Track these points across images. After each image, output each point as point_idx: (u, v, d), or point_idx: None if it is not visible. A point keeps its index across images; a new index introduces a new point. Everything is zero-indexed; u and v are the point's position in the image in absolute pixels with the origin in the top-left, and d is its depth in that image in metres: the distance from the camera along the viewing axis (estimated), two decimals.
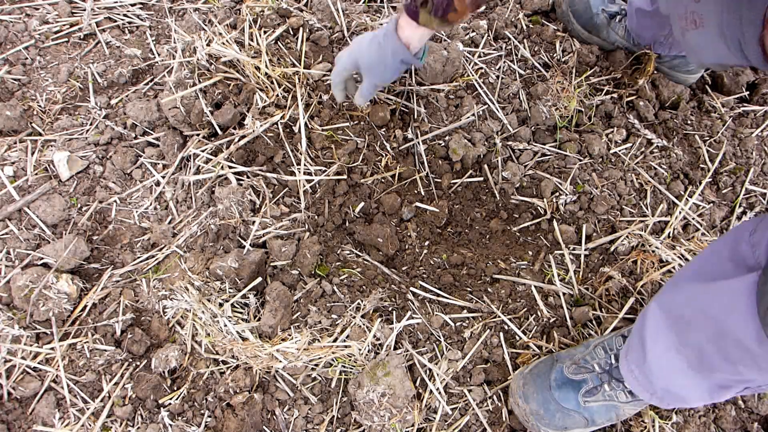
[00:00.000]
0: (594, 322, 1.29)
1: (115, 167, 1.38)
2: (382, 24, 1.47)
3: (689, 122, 1.53)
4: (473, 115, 1.40)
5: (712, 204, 1.45)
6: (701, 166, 1.49)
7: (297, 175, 1.31)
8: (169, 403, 1.18)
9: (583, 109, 1.46)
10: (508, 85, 1.46)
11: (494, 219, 1.39)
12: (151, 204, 1.36)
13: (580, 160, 1.42)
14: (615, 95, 1.49)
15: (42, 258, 1.25)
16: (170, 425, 1.16)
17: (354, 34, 1.46)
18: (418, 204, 1.36)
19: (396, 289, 1.29)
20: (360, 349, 1.18)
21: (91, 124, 1.42)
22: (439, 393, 1.19)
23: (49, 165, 1.36)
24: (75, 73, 1.47)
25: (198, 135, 1.37)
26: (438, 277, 1.33)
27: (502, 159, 1.40)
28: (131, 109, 1.40)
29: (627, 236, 1.36)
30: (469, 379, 1.23)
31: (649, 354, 0.99)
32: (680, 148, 1.49)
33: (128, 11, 1.56)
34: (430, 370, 1.22)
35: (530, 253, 1.36)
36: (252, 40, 1.38)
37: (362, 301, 1.25)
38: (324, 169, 1.33)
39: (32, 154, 1.36)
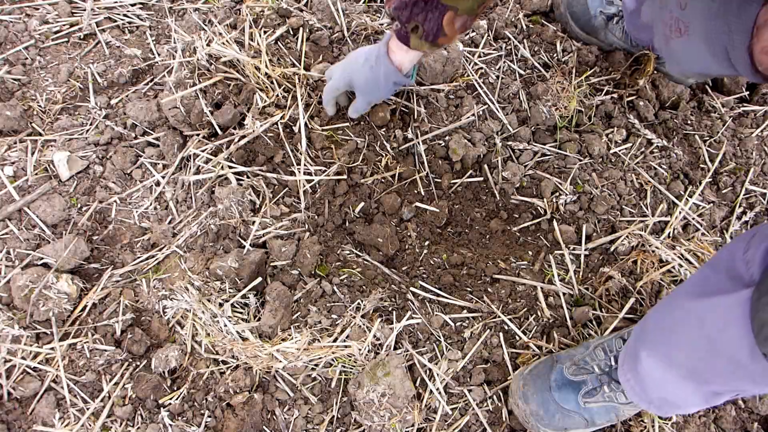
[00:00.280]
0: (594, 322, 1.29)
1: (115, 167, 1.38)
2: (382, 24, 1.48)
3: (689, 122, 1.53)
4: (473, 115, 1.40)
5: (712, 204, 1.45)
6: (701, 166, 1.49)
7: (297, 175, 1.31)
8: (169, 403, 1.18)
9: (583, 109, 1.46)
10: (508, 85, 1.46)
11: (494, 219, 1.39)
12: (151, 204, 1.36)
13: (580, 160, 1.42)
14: (615, 95, 1.49)
15: (42, 258, 1.25)
16: (170, 425, 1.16)
17: (354, 34, 1.46)
18: (418, 204, 1.36)
19: (396, 289, 1.29)
20: (360, 349, 1.18)
21: (91, 124, 1.42)
22: (439, 393, 1.19)
23: (49, 165, 1.36)
24: (75, 73, 1.47)
25: (198, 135, 1.37)
26: (438, 277, 1.33)
27: (502, 159, 1.40)
28: (131, 109, 1.40)
29: (627, 236, 1.36)
30: (469, 379, 1.23)
31: (642, 367, 0.99)
32: (680, 148, 1.49)
33: (128, 11, 1.56)
34: (430, 370, 1.22)
35: (530, 253, 1.36)
36: (252, 40, 1.38)
37: (362, 301, 1.25)
38: (324, 169, 1.33)
39: (32, 154, 1.36)
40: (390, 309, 1.27)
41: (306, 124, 1.33)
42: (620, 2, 1.50)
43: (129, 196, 1.37)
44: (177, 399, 1.19)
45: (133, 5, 1.57)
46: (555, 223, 1.36)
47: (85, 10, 1.52)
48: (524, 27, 1.54)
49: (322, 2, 1.45)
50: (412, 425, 1.17)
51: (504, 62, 1.49)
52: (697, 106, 1.56)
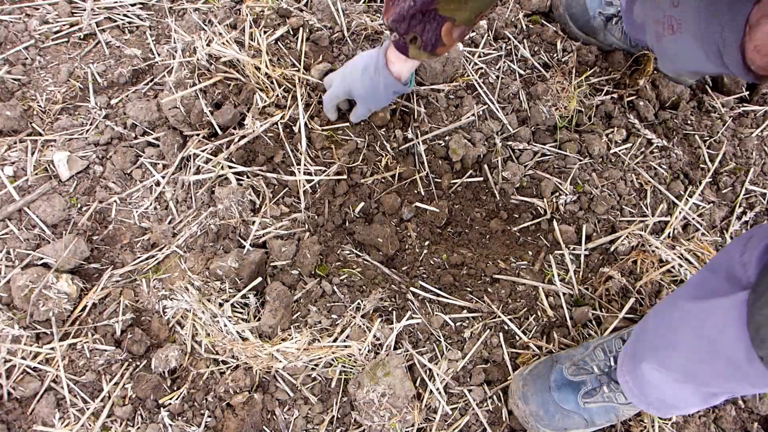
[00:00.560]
0: (594, 322, 1.29)
1: (115, 167, 1.38)
2: (382, 24, 1.47)
3: (689, 122, 1.53)
4: (473, 115, 1.40)
5: (712, 204, 1.45)
6: (701, 166, 1.49)
7: (297, 175, 1.31)
8: (169, 403, 1.18)
9: (583, 109, 1.46)
10: (508, 85, 1.46)
11: (494, 219, 1.39)
12: (151, 204, 1.36)
13: (580, 160, 1.42)
14: (615, 95, 1.49)
15: (42, 258, 1.25)
16: (170, 425, 1.16)
17: (354, 34, 1.46)
18: (418, 204, 1.36)
19: (396, 289, 1.29)
20: (360, 349, 1.19)
21: (91, 124, 1.42)
22: (439, 393, 1.19)
23: (49, 165, 1.36)
24: (75, 73, 1.47)
25: (198, 135, 1.37)
26: (438, 277, 1.33)
27: (502, 159, 1.40)
28: (131, 109, 1.40)
29: (627, 236, 1.36)
30: (469, 379, 1.23)
31: (641, 368, 0.99)
32: (680, 148, 1.49)
33: (128, 11, 1.56)
34: (430, 370, 1.22)
35: (530, 253, 1.36)
36: (252, 40, 1.38)
37: (362, 301, 1.25)
38: (324, 169, 1.33)
39: (32, 154, 1.36)
40: (390, 309, 1.27)
41: (306, 124, 1.33)
42: (619, 3, 1.51)
43: (129, 196, 1.37)
44: (177, 399, 1.19)
45: (133, 5, 1.57)
46: (555, 223, 1.37)
47: (85, 10, 1.52)
48: (524, 27, 1.54)
49: (322, 2, 1.45)
50: (412, 425, 1.17)
51: (504, 62, 1.49)
52: (697, 106, 1.56)
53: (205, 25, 1.46)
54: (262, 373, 1.21)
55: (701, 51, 0.77)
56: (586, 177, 1.41)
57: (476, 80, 1.44)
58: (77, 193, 1.35)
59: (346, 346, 1.19)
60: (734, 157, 1.51)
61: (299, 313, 1.24)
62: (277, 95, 1.34)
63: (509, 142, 1.42)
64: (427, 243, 1.35)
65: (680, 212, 1.42)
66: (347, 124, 1.34)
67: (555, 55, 1.52)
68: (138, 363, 1.22)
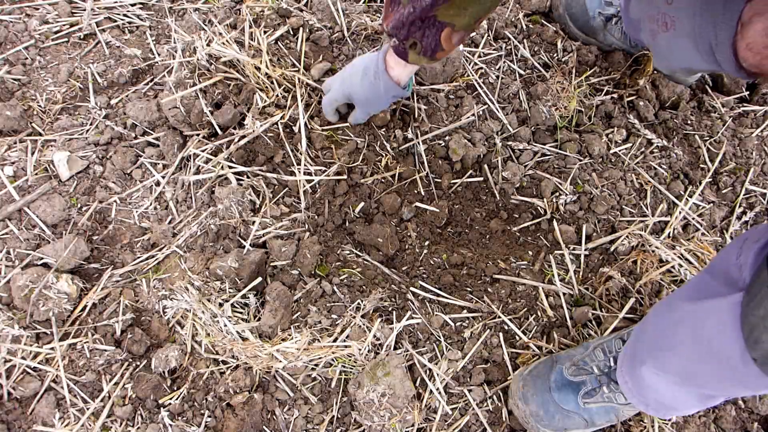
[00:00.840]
0: (594, 322, 1.29)
1: (115, 167, 1.38)
2: (380, 25, 1.47)
3: (689, 122, 1.53)
4: (473, 115, 1.40)
5: (712, 204, 1.45)
6: (701, 166, 1.49)
7: (297, 175, 1.31)
8: (169, 403, 1.18)
9: (583, 109, 1.46)
10: (508, 85, 1.46)
11: (494, 219, 1.39)
12: (151, 204, 1.36)
13: (580, 160, 1.42)
14: (615, 95, 1.49)
15: (42, 258, 1.25)
16: (170, 425, 1.16)
17: (354, 34, 1.46)
18: (418, 204, 1.36)
19: (396, 289, 1.30)
20: (360, 349, 1.19)
21: (91, 124, 1.42)
22: (439, 393, 1.20)
23: (49, 165, 1.36)
24: (75, 73, 1.47)
25: (198, 135, 1.37)
26: (438, 277, 1.33)
27: (502, 159, 1.40)
28: (131, 109, 1.40)
29: (627, 236, 1.36)
30: (469, 379, 1.23)
31: (640, 370, 0.99)
32: (680, 148, 1.49)
33: (128, 11, 1.56)
34: (430, 370, 1.22)
35: (530, 253, 1.36)
36: (252, 40, 1.38)
37: (362, 301, 1.25)
38: (324, 169, 1.33)
39: (32, 154, 1.36)
40: (390, 309, 1.27)
41: (306, 124, 1.33)
42: (618, 3, 1.51)
43: (129, 196, 1.37)
44: (177, 399, 1.19)
45: (133, 5, 1.57)
46: (555, 223, 1.37)
47: (85, 10, 1.52)
48: (524, 27, 1.54)
49: (322, 2, 1.45)
50: (412, 425, 1.17)
51: (504, 62, 1.49)
52: (697, 106, 1.56)
53: (205, 25, 1.46)
54: (262, 373, 1.21)
55: (694, 48, 0.78)
56: (586, 177, 1.41)
57: (476, 80, 1.44)
58: (77, 193, 1.35)
59: (346, 346, 1.19)
60: (734, 157, 1.51)
61: (299, 313, 1.24)
62: (277, 95, 1.34)
63: (509, 142, 1.42)
64: (427, 243, 1.35)
65: (680, 212, 1.42)
66: (347, 124, 1.34)
67: (555, 55, 1.52)
68: (138, 363, 1.22)
